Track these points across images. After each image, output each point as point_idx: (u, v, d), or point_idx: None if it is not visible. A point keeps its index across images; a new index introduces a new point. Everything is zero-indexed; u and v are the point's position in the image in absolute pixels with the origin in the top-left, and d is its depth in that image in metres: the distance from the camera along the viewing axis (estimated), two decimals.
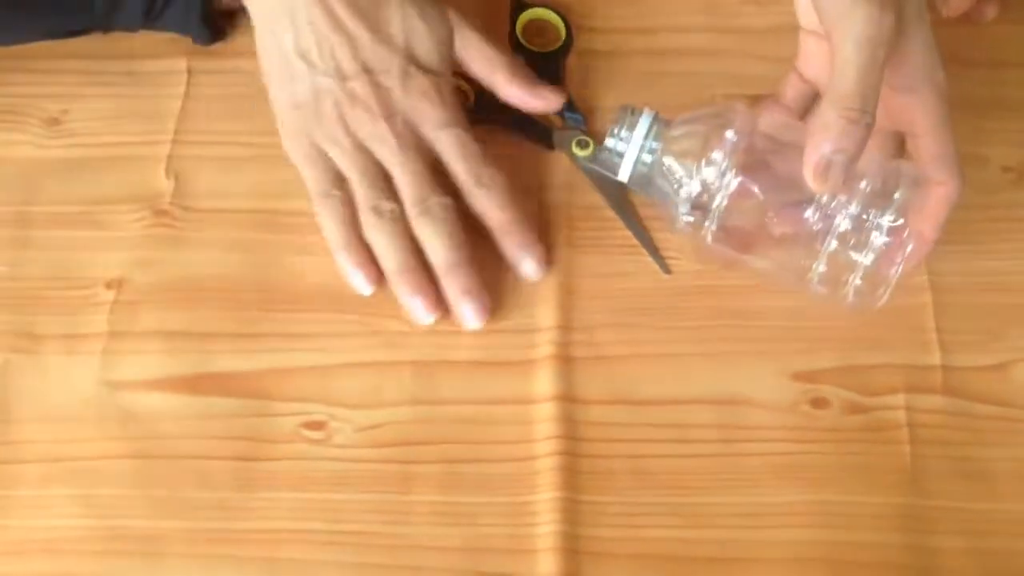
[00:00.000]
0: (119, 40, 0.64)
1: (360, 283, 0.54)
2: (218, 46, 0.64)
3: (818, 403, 0.52)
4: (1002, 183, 0.59)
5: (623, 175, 0.51)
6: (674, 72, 0.62)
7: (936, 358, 0.53)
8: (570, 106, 0.60)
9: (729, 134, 0.49)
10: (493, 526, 0.50)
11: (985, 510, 0.50)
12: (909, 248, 0.48)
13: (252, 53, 0.60)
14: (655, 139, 0.50)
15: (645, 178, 0.51)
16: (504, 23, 0.63)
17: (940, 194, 0.49)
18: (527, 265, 0.55)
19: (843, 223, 0.48)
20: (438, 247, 0.53)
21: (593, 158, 0.58)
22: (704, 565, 0.49)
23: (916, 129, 0.49)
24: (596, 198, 0.58)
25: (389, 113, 0.55)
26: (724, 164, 0.48)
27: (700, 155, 0.49)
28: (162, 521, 0.50)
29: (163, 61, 0.63)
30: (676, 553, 0.49)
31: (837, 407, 0.52)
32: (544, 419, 0.52)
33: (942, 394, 0.52)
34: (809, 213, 0.49)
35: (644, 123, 0.50)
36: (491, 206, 0.55)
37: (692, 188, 0.49)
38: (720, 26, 0.64)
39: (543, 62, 0.61)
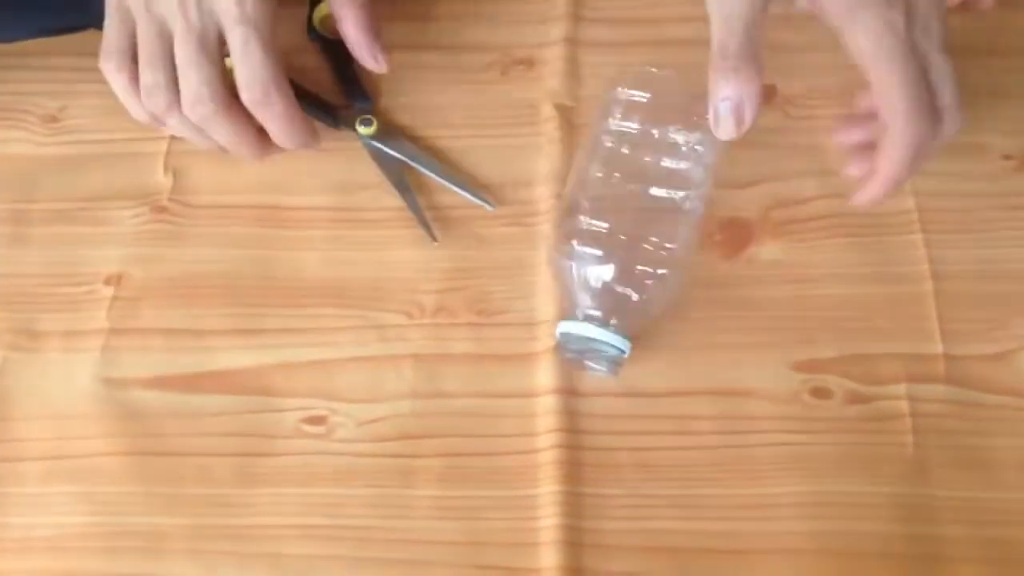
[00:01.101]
0: None
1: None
2: None
3: (819, 393, 0.52)
4: (1003, 171, 0.58)
5: (624, 352, 0.51)
6: (678, 63, 0.62)
7: (938, 347, 0.53)
8: (362, 93, 0.61)
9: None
10: (495, 520, 0.50)
11: (988, 499, 0.50)
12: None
13: None
14: (595, 322, 0.51)
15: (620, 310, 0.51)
16: (303, 11, 0.63)
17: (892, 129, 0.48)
18: None
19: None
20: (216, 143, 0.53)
21: (375, 137, 0.59)
22: (706, 556, 0.49)
23: (859, 61, 0.48)
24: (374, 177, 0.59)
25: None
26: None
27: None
28: (164, 518, 0.50)
29: None
30: (678, 545, 0.49)
31: (839, 397, 0.52)
32: (545, 412, 0.52)
33: (944, 383, 0.52)
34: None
35: (589, 331, 0.50)
36: (270, 128, 0.53)
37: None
38: None
39: (342, 49, 0.59)
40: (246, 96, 0.51)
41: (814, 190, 0.58)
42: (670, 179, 0.51)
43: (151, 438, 0.51)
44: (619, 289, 0.50)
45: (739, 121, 0.48)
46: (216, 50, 0.51)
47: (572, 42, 0.62)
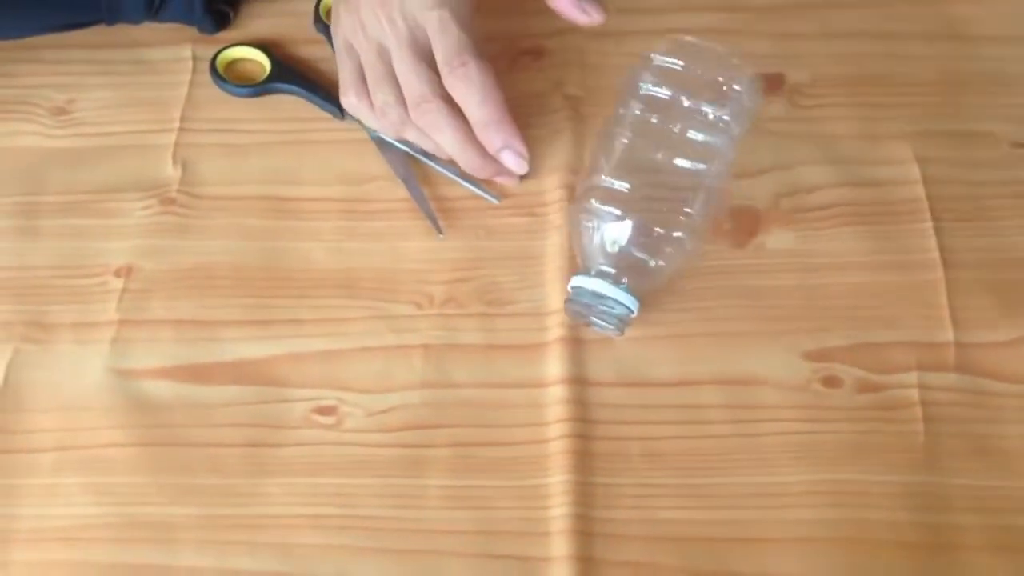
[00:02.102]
0: (125, 30, 0.64)
1: None
2: (223, 34, 0.64)
3: (830, 382, 0.52)
4: (1012, 159, 0.58)
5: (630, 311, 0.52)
6: None
7: (949, 335, 0.53)
8: None
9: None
10: (506, 509, 0.49)
11: (999, 487, 0.50)
12: None
13: (256, 40, 0.60)
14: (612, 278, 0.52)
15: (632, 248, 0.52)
16: (309, 4, 0.65)
17: None
18: (507, 161, 0.56)
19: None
20: (436, 145, 0.56)
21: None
22: (717, 545, 0.49)
23: None
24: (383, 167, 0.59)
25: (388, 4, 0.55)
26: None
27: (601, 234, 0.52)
28: (175, 508, 0.50)
29: (168, 49, 0.64)
30: (689, 534, 0.49)
31: (849, 386, 0.52)
32: (555, 402, 0.52)
33: (955, 371, 0.52)
34: None
35: (601, 287, 0.51)
36: (466, 98, 0.54)
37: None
38: (726, 5, 0.64)
39: None
40: (446, 71, 0.54)
41: (822, 178, 0.58)
42: (694, 150, 0.51)
43: (161, 429, 0.51)
44: (634, 249, 0.51)
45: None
46: (430, 53, 0.54)
47: (579, 32, 0.62)
